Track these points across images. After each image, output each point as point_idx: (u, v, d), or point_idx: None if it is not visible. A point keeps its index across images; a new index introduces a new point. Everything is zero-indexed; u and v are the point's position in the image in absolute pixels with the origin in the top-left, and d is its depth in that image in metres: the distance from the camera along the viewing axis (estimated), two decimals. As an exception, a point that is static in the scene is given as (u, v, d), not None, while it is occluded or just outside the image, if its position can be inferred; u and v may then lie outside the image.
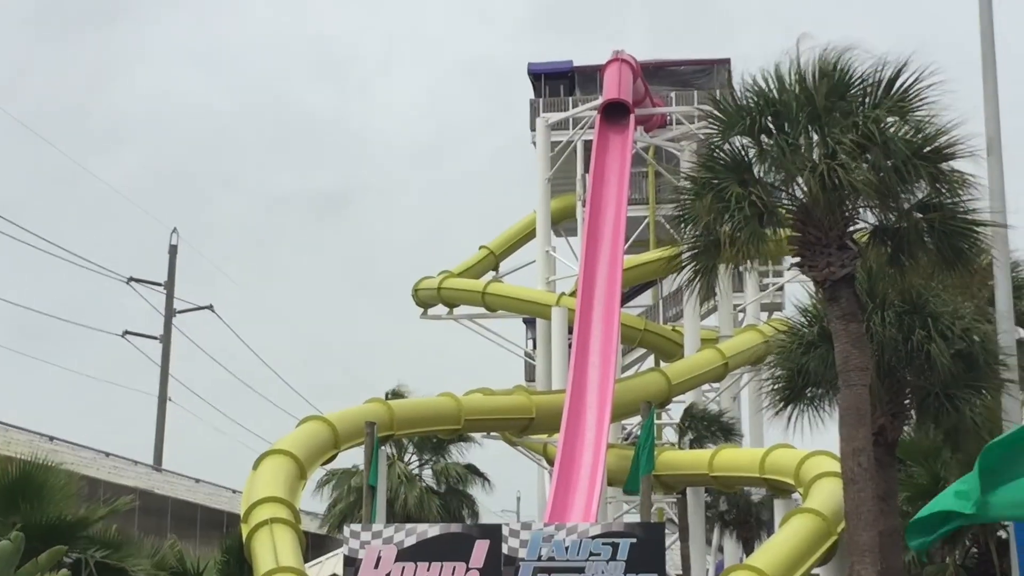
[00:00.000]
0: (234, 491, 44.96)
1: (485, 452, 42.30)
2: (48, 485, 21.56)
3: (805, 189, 17.60)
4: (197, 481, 45.83)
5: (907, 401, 20.17)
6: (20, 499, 21.10)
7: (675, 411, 40.23)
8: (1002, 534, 22.31)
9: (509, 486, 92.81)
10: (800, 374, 20.10)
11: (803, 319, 21.13)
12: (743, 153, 18.03)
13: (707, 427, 33.76)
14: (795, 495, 26.72)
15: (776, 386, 20.55)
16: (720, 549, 41.25)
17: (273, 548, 22.13)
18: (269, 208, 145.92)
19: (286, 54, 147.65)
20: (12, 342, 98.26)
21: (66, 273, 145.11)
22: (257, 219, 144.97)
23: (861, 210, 18.10)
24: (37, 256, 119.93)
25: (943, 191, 17.58)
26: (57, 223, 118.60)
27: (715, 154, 18.20)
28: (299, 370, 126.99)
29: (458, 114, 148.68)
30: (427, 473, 40.37)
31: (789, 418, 20.55)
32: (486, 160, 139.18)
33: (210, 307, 58.96)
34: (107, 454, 40.16)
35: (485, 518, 41.82)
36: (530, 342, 44.63)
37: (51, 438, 36.56)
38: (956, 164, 17.57)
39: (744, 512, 37.74)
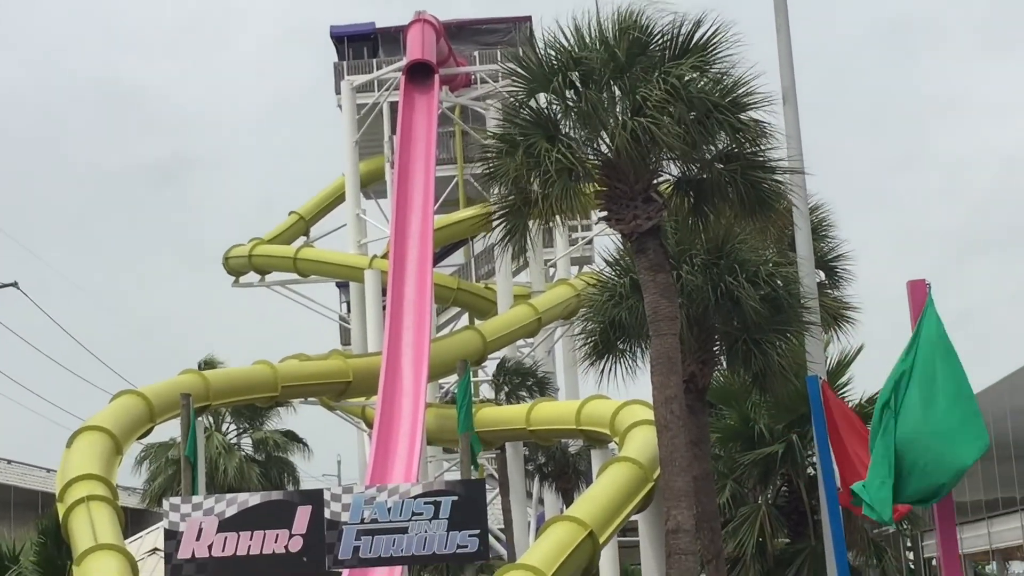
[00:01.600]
0: (48, 470, 44.06)
1: (303, 418, 42.30)
2: None
3: (610, 144, 17.84)
4: (9, 462, 44.79)
5: (716, 348, 20.64)
6: None
7: (491, 368, 40.59)
8: (811, 471, 23.04)
9: (329, 451, 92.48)
10: (612, 326, 20.41)
11: (612, 272, 21.43)
12: (548, 110, 18.20)
13: (522, 382, 34.14)
14: (611, 445, 27.21)
15: (590, 339, 20.84)
16: (540, 501, 41.79)
17: (91, 526, 21.85)
18: (94, 185, 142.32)
19: (112, 28, 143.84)
20: None
21: None
22: (81, 196, 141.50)
23: (665, 163, 18.41)
24: None
25: (743, 141, 17.97)
26: None
27: (521, 111, 18.33)
28: (115, 346, 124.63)
29: (286, 82, 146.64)
30: (246, 442, 40.15)
31: (603, 370, 20.86)
32: (316, 127, 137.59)
33: (14, 284, 57.48)
34: (-89, 440, 39.12)
35: (306, 484, 41.76)
36: (344, 306, 44.57)
37: None
38: (754, 114, 17.98)
39: (562, 464, 38.26)
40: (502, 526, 36.16)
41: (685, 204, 18.71)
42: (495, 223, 19.29)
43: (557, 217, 18.55)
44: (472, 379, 30.93)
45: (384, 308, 34.28)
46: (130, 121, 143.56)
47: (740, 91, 17.78)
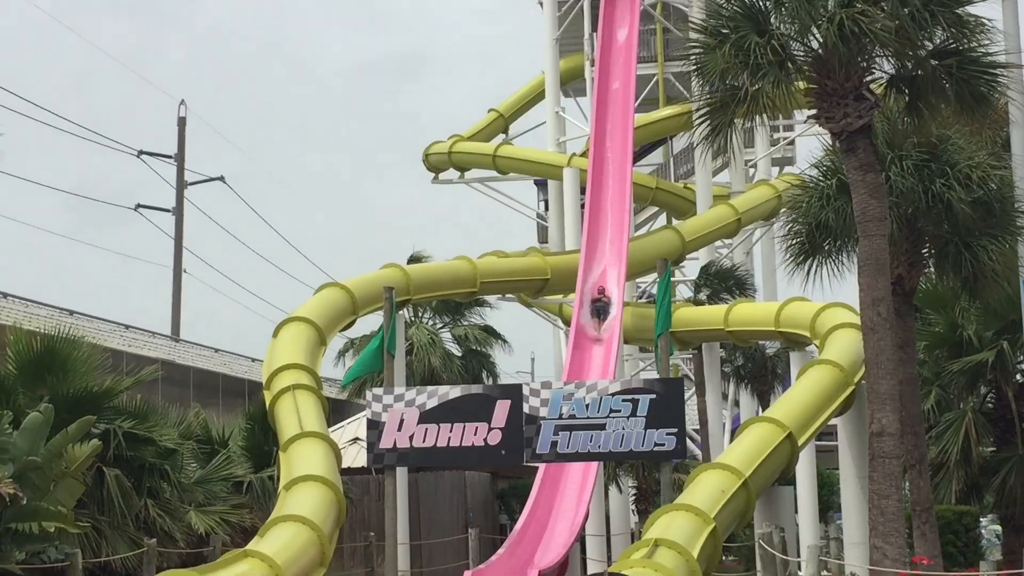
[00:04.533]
0: (253, 360, 45.25)
1: (499, 316, 42.78)
2: (72, 358, 21.75)
3: (821, 40, 17.45)
4: (216, 351, 46.01)
5: (925, 250, 20.19)
6: (46, 372, 21.31)
7: (688, 268, 40.35)
8: (1019, 378, 22.52)
9: (522, 348, 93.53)
10: (818, 228, 20.08)
11: (818, 172, 21.06)
12: (759, 3, 17.84)
13: (722, 283, 33.81)
14: (810, 347, 26.87)
15: (795, 241, 20.54)
16: (736, 403, 41.61)
17: (297, 413, 22.28)
18: (318, 79, 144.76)
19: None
20: (25, 217, 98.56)
21: (70, 147, 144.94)
22: (302, 91, 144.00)
23: (878, 60, 17.97)
24: (38, 129, 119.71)
25: (959, 36, 17.43)
26: (67, 100, 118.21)
27: (729, 5, 18.00)
28: (322, 240, 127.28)
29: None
30: (446, 336, 40.75)
31: (808, 272, 20.57)
32: (520, 24, 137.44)
33: (221, 178, 58.84)
34: (127, 326, 40.34)
35: (500, 380, 42.19)
36: (542, 204, 44.59)
37: (71, 312, 36.71)
38: (971, 8, 17.42)
39: (759, 366, 37.97)
40: (697, 427, 36.10)
41: (897, 103, 18.26)
42: (697, 121, 19.06)
43: (760, 116, 18.28)
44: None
45: (582, 206, 34.20)
46: (347, 18, 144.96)
47: (957, -16, 17.24)
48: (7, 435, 18.44)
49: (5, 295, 34.87)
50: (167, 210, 57.60)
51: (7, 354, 22.00)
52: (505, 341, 41.96)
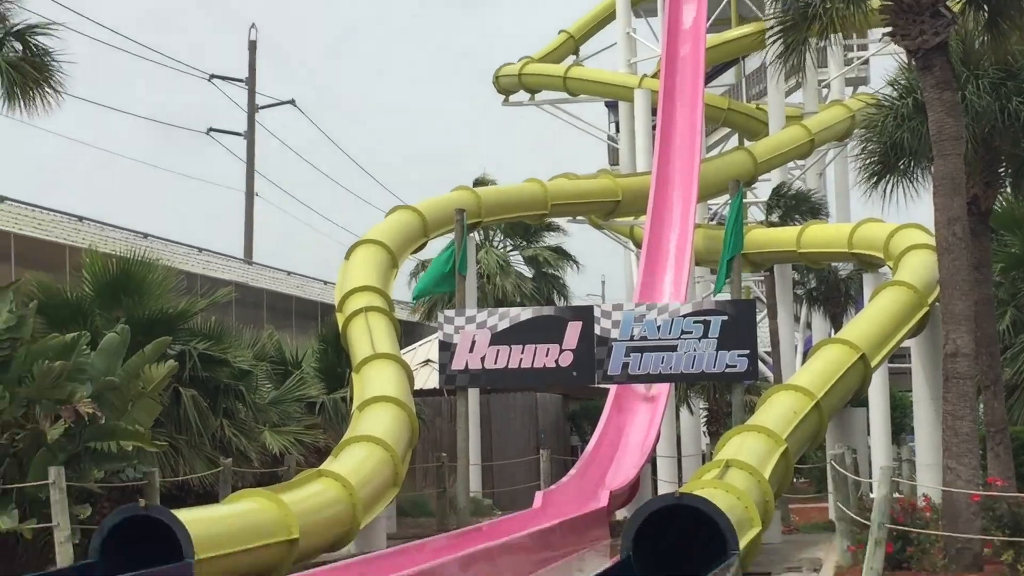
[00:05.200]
0: (325, 282, 45.52)
1: (566, 239, 42.81)
2: (148, 280, 22.02)
3: (896, -45, 17.18)
4: (289, 274, 46.30)
5: (1001, 170, 19.91)
6: (122, 294, 21.58)
7: (760, 190, 40.07)
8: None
9: (593, 271, 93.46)
10: (893, 148, 19.82)
11: (893, 91, 20.78)
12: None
13: (795, 205, 33.54)
14: (884, 269, 26.70)
15: (869, 161, 20.31)
16: (808, 326, 41.42)
17: (369, 335, 22.45)
18: (388, 2, 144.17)
19: None
20: (98, 141, 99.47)
21: (144, 72, 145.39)
22: (373, 14, 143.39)
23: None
24: (112, 55, 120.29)
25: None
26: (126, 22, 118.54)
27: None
28: (392, 165, 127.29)
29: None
30: (517, 259, 40.87)
31: (883, 192, 20.34)
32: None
33: (292, 102, 58.96)
34: (200, 249, 40.68)
35: (571, 302, 42.27)
36: (613, 126, 44.32)
37: (145, 235, 37.06)
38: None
39: (832, 288, 37.73)
40: (768, 349, 35.99)
41: (976, 20, 17.95)
42: (770, 40, 18.85)
43: (834, 35, 18.04)
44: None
45: (654, 128, 33.97)
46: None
47: None
48: (85, 356, 18.71)
49: (81, 219, 35.23)
50: (239, 134, 57.85)
51: (84, 276, 22.30)
52: (576, 263, 42.06)
